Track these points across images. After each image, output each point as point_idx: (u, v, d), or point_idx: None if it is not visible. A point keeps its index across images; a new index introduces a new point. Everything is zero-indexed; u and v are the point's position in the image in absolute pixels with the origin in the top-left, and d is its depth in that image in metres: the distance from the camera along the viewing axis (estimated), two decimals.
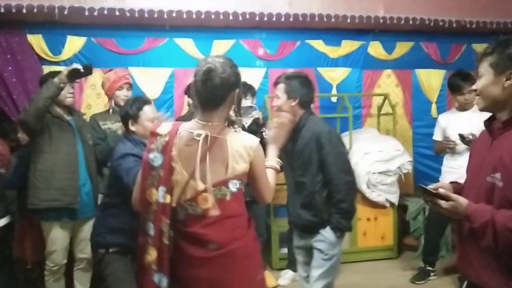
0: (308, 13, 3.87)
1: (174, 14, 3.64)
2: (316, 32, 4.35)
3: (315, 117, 2.55)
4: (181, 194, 1.65)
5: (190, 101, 3.49)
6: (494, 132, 1.57)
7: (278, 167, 1.92)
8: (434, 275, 3.71)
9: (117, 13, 3.54)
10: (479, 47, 4.76)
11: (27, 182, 2.86)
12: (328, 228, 2.41)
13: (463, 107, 3.51)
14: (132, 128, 2.31)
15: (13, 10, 3.36)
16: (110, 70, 3.35)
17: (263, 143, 3.54)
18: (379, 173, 3.94)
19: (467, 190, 1.63)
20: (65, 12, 3.45)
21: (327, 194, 2.41)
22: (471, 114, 3.43)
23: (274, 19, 3.82)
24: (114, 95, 3.23)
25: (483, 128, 3.38)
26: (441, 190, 1.52)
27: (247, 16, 3.76)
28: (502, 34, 1.62)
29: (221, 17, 3.73)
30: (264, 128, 3.45)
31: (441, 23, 4.13)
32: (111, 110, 3.26)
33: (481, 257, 1.52)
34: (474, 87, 1.62)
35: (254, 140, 1.70)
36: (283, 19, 3.83)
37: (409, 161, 4.10)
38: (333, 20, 3.92)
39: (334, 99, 4.52)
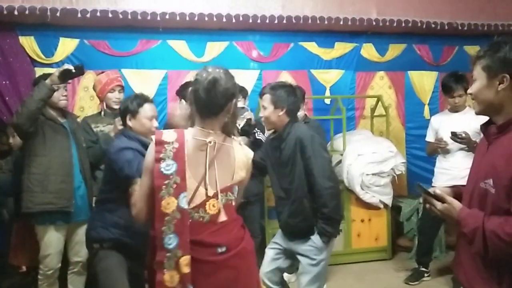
0: (301, 15, 3.88)
1: (167, 16, 3.63)
2: (309, 34, 4.37)
3: (299, 124, 2.58)
4: (189, 201, 1.63)
5: (184, 103, 3.48)
6: (490, 137, 1.55)
7: None
8: (428, 276, 3.72)
9: (110, 15, 3.53)
10: (471, 49, 4.88)
11: (21, 185, 2.83)
12: (315, 233, 2.42)
13: (455, 109, 3.54)
14: (129, 123, 2.32)
15: (5, 12, 3.34)
16: (103, 72, 3.34)
17: (256, 143, 3.57)
18: (373, 174, 3.95)
19: (464, 194, 1.62)
20: (58, 14, 3.43)
21: (313, 199, 2.42)
22: (463, 115, 3.46)
23: (267, 21, 3.82)
24: (106, 98, 3.22)
25: (476, 129, 3.43)
26: (437, 191, 1.52)
27: (241, 18, 3.77)
28: (496, 36, 1.61)
29: (215, 19, 3.72)
30: (256, 129, 3.47)
31: (433, 25, 4.16)
32: (102, 113, 3.24)
33: (472, 263, 1.52)
34: (469, 91, 1.60)
35: (251, 152, 1.81)
36: (276, 21, 3.84)
37: (402, 163, 4.12)
38: (326, 22, 3.93)
39: (327, 101, 4.54)
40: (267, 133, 3.07)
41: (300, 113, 3.58)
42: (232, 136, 1.76)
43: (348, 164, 3.97)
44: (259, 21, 3.81)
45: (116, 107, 3.13)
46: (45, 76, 2.87)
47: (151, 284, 1.67)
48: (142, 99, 2.35)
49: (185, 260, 1.56)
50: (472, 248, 1.46)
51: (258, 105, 4.01)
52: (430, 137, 3.69)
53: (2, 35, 3.70)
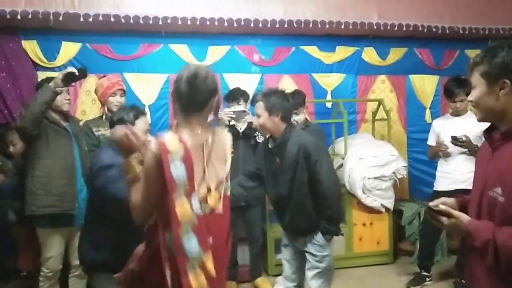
0: (302, 20, 3.89)
1: (169, 20, 3.65)
2: (310, 38, 4.38)
3: (297, 129, 2.61)
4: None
5: None
6: (494, 143, 1.50)
7: None
8: (430, 280, 3.71)
9: (112, 19, 3.55)
10: (472, 53, 4.89)
11: (24, 188, 2.84)
12: (318, 231, 2.50)
13: (456, 113, 3.54)
14: None
15: (8, 16, 3.35)
16: (104, 76, 3.35)
17: (257, 147, 3.57)
18: (374, 178, 3.95)
19: (471, 204, 1.58)
20: (60, 18, 3.45)
21: (315, 200, 2.47)
22: (465, 119, 3.46)
23: (269, 25, 3.83)
24: (107, 101, 3.22)
25: (477, 133, 3.43)
26: (442, 207, 1.47)
27: (242, 23, 3.78)
28: (491, 41, 1.58)
29: (216, 23, 3.74)
30: (257, 132, 3.48)
31: (434, 29, 4.16)
32: (104, 116, 3.25)
33: (486, 275, 1.46)
34: (469, 98, 1.56)
35: (229, 135, 1.87)
36: (278, 26, 3.85)
37: (403, 166, 4.11)
38: (327, 26, 3.94)
39: (328, 105, 4.55)
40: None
41: (301, 117, 3.59)
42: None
43: (349, 167, 3.96)
44: (260, 25, 3.82)
45: None
46: (48, 79, 2.89)
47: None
48: (138, 111, 2.26)
49: (208, 257, 1.60)
50: (484, 261, 1.41)
51: None
52: (431, 141, 3.69)
53: (5, 39, 3.72)
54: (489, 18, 4.30)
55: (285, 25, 3.87)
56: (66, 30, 3.81)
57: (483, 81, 1.47)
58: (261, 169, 2.64)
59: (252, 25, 3.81)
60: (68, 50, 3.91)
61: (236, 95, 3.56)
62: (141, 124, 2.23)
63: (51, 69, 3.84)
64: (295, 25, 3.89)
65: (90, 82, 3.86)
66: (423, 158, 4.41)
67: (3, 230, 3.27)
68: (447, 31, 4.20)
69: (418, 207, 4.14)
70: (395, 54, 4.63)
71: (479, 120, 1.56)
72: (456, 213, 1.46)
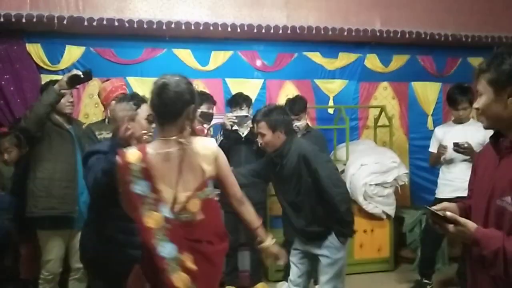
0: (305, 26, 3.91)
1: (172, 25, 3.67)
2: (313, 44, 4.39)
3: (297, 139, 2.63)
4: (172, 208, 1.72)
5: None
6: (502, 151, 1.46)
7: None
8: (431, 287, 3.69)
9: (116, 24, 3.57)
10: (475, 61, 4.89)
11: (26, 190, 2.84)
12: (332, 234, 2.51)
13: (459, 120, 3.54)
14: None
15: (13, 19, 3.38)
16: (108, 80, 3.36)
17: (260, 151, 3.58)
18: (376, 184, 3.94)
19: (475, 211, 1.54)
20: (64, 22, 3.47)
21: (325, 204, 2.48)
22: (467, 127, 3.46)
23: (272, 31, 3.85)
24: (110, 105, 3.22)
25: (479, 140, 3.41)
26: (448, 213, 1.42)
27: (245, 28, 3.80)
28: (495, 47, 1.55)
29: (220, 28, 3.76)
30: None
31: (437, 37, 4.18)
32: (106, 120, 3.25)
33: (490, 285, 1.43)
34: (475, 105, 1.52)
35: (212, 142, 1.88)
36: (280, 31, 3.87)
37: (405, 173, 4.11)
38: (330, 32, 3.96)
39: (331, 111, 4.55)
40: None
41: (302, 123, 3.59)
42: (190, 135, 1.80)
43: (351, 174, 3.96)
44: (263, 30, 3.84)
45: None
46: (53, 82, 2.90)
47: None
48: (139, 99, 2.25)
49: (187, 258, 1.67)
50: (492, 270, 1.37)
51: None
52: (433, 148, 3.68)
53: (9, 42, 3.75)
54: (492, 26, 4.31)
55: (288, 31, 3.89)
56: (70, 33, 3.84)
57: (490, 88, 1.44)
58: (267, 174, 2.68)
59: (255, 30, 3.83)
60: (72, 53, 3.93)
61: (238, 100, 3.57)
62: (142, 112, 2.22)
63: (55, 72, 3.86)
64: (298, 31, 3.90)
65: (93, 85, 3.88)
66: (425, 165, 4.40)
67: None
68: (450, 39, 4.22)
69: (419, 214, 4.13)
70: (398, 61, 4.63)
71: (486, 128, 1.53)
72: (463, 220, 1.41)
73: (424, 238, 3.79)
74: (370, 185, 3.92)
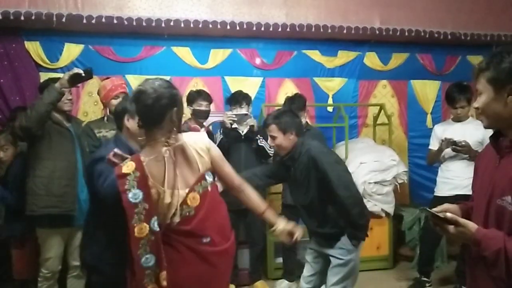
0: (304, 24, 3.90)
1: (171, 23, 3.66)
2: (312, 42, 4.39)
3: (308, 142, 2.62)
4: (170, 209, 1.75)
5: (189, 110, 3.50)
6: (502, 150, 1.46)
7: None
8: (430, 285, 3.70)
9: (115, 21, 3.56)
10: (474, 59, 4.89)
11: (26, 188, 2.84)
12: (345, 235, 2.51)
13: (457, 119, 3.54)
14: (128, 124, 2.17)
15: (11, 17, 3.37)
16: (107, 78, 3.36)
17: (258, 150, 3.56)
18: (375, 183, 3.95)
19: (475, 211, 1.53)
20: (63, 20, 3.46)
21: (337, 205, 2.48)
22: (466, 125, 3.46)
23: (271, 29, 3.85)
24: (109, 104, 3.21)
25: (478, 139, 3.42)
26: (448, 215, 1.41)
27: (244, 26, 3.79)
28: (495, 46, 1.54)
29: (219, 26, 3.75)
30: (258, 136, 3.49)
31: (436, 35, 4.18)
32: (105, 118, 3.25)
33: (490, 285, 1.42)
34: (475, 105, 1.51)
35: (202, 135, 1.93)
36: (280, 29, 3.86)
37: (404, 171, 4.11)
38: (329, 30, 3.96)
39: (330, 109, 4.55)
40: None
41: (302, 121, 3.59)
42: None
43: (350, 172, 3.96)
44: (262, 28, 3.83)
45: None
46: (53, 80, 2.90)
47: None
48: None
49: (163, 275, 1.72)
50: (493, 271, 1.36)
51: (261, 112, 4.04)
52: (433, 145, 3.68)
53: (8, 40, 3.74)
54: (491, 25, 4.31)
55: (287, 29, 3.88)
56: (69, 31, 3.83)
57: (490, 87, 1.43)
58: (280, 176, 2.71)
59: (254, 28, 3.82)
60: (71, 51, 3.92)
61: (238, 98, 3.57)
62: None
63: (54, 70, 3.86)
64: (297, 29, 3.90)
65: (92, 83, 3.87)
66: (424, 163, 4.39)
67: None
68: (449, 37, 4.22)
69: (418, 212, 4.13)
70: (397, 59, 4.64)
71: (486, 127, 1.52)
72: (463, 221, 1.40)
73: (423, 236, 3.80)
74: (369, 183, 3.93)
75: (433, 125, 3.99)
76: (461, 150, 3.27)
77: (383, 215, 4.08)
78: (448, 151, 3.41)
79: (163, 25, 3.65)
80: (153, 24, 3.63)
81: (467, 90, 3.40)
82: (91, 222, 2.21)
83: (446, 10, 4.21)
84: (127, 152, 1.99)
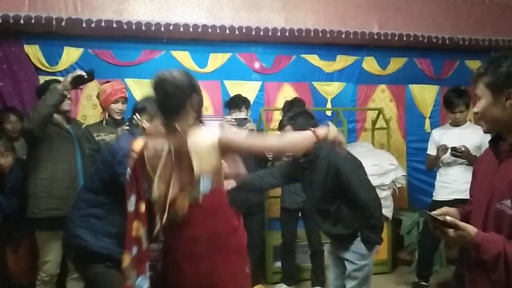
0: (303, 28, 3.92)
1: (171, 27, 3.67)
2: (311, 47, 4.40)
3: (326, 147, 2.56)
4: (165, 205, 1.73)
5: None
6: (501, 154, 1.46)
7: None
8: None
9: (115, 25, 3.57)
10: (472, 64, 4.89)
11: (27, 190, 2.83)
12: (358, 239, 2.50)
13: (456, 123, 3.55)
14: (144, 125, 2.17)
15: (11, 21, 3.37)
16: (107, 82, 3.36)
17: (261, 156, 3.55)
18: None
19: (474, 215, 1.54)
20: (63, 23, 3.47)
21: (353, 208, 2.48)
22: (464, 130, 3.47)
23: (270, 33, 3.86)
24: (109, 108, 3.21)
25: (476, 143, 3.42)
26: (448, 218, 1.40)
27: (244, 30, 3.80)
28: (493, 51, 1.55)
29: (218, 30, 3.76)
30: None
31: (434, 40, 4.19)
32: (104, 122, 3.24)
33: None
34: (474, 110, 1.51)
35: (211, 132, 1.72)
36: (279, 34, 3.88)
37: (403, 176, 4.11)
38: (328, 35, 3.97)
39: (328, 113, 4.56)
40: None
41: None
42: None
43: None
44: (261, 33, 3.84)
45: (118, 117, 3.16)
46: (49, 82, 2.90)
47: None
48: None
49: (124, 256, 1.77)
50: (493, 275, 1.36)
51: (260, 116, 4.04)
52: (431, 150, 3.69)
53: (7, 43, 3.75)
54: (489, 29, 4.33)
55: (286, 34, 3.89)
56: (68, 35, 3.83)
57: (488, 92, 1.44)
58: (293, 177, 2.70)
59: (253, 33, 3.83)
60: (70, 55, 3.93)
61: (237, 102, 3.57)
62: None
63: (53, 74, 3.85)
64: (296, 33, 3.91)
65: (91, 87, 3.87)
66: (422, 168, 4.40)
67: None
68: (447, 42, 4.23)
69: (417, 216, 4.13)
70: (395, 63, 4.65)
71: (486, 132, 1.53)
72: (463, 224, 1.40)
73: (421, 240, 3.80)
74: None
75: (431, 130, 4.00)
76: (460, 155, 3.28)
77: None
78: (446, 156, 3.42)
79: (162, 29, 3.66)
80: (153, 28, 3.64)
81: (465, 95, 3.41)
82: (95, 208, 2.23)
83: (444, 15, 4.23)
84: None
